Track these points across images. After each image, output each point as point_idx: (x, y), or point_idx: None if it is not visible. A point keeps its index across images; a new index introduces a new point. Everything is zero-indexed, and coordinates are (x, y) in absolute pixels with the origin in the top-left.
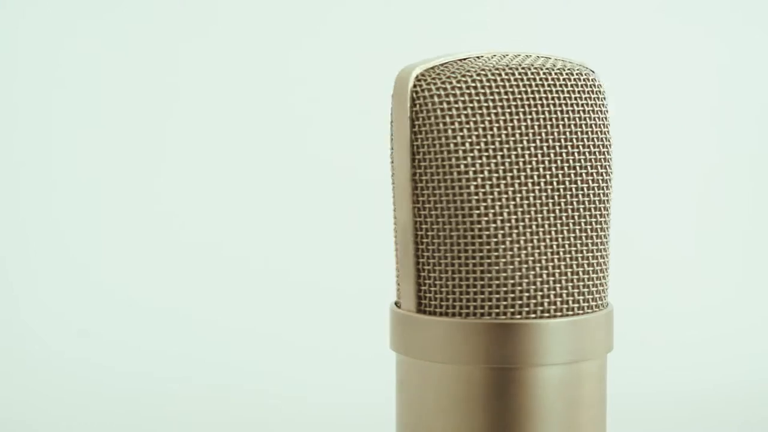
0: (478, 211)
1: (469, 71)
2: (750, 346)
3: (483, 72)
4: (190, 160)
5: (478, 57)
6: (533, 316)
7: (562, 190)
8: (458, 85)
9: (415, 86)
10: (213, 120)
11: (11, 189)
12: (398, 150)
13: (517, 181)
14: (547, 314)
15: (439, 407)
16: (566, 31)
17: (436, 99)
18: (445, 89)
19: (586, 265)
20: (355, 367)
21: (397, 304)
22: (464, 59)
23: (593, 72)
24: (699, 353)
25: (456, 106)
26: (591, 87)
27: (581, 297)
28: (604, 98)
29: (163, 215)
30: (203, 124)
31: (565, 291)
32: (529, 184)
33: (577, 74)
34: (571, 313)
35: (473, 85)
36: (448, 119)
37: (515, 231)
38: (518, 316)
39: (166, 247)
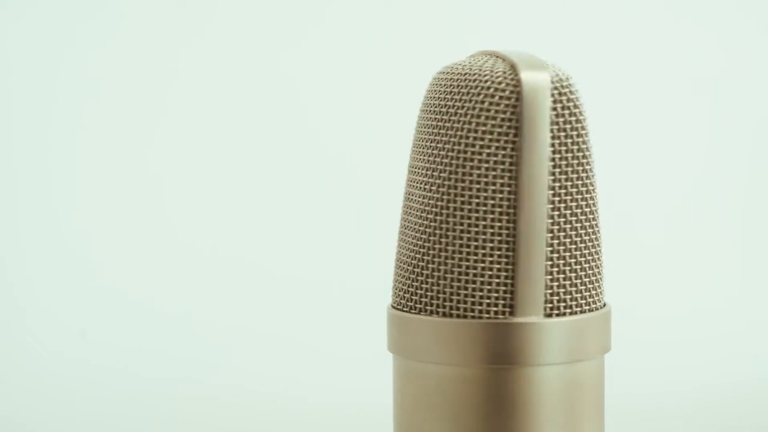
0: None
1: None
2: (749, 346)
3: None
4: (189, 160)
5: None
6: (529, 315)
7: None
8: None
9: (556, 87)
10: (212, 120)
11: (10, 189)
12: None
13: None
14: (544, 314)
15: (436, 408)
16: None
17: (576, 101)
18: (576, 92)
19: (578, 265)
20: (353, 368)
21: (393, 304)
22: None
23: (569, 79)
24: (698, 353)
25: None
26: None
27: (578, 297)
28: (579, 104)
29: (162, 215)
30: (202, 124)
31: (562, 291)
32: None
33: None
34: (568, 312)
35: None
36: (581, 124)
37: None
38: (514, 316)
39: (165, 247)
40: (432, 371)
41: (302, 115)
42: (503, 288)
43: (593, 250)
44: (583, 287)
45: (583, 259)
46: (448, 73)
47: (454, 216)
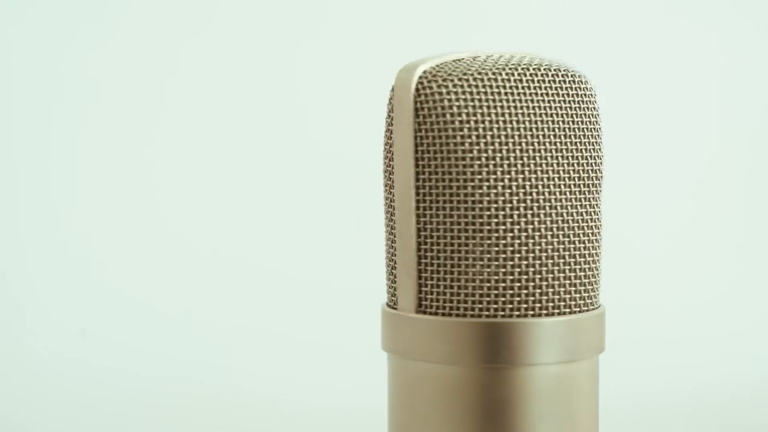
0: (489, 214)
1: (469, 70)
2: (745, 345)
3: (484, 71)
4: (188, 160)
5: (474, 57)
6: (525, 315)
7: (553, 189)
8: (460, 83)
9: (418, 85)
10: (211, 120)
11: (10, 190)
12: (399, 149)
13: (515, 183)
14: (538, 314)
15: (431, 407)
16: (564, 31)
17: (438, 97)
18: (446, 87)
19: (578, 265)
20: (350, 367)
21: (388, 304)
22: (460, 60)
23: (584, 74)
24: (693, 353)
25: (457, 104)
26: (584, 89)
27: (573, 297)
28: (595, 100)
29: (161, 215)
30: (201, 124)
31: (557, 291)
32: (527, 186)
33: (571, 76)
34: (563, 312)
35: (475, 84)
36: (449, 118)
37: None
38: (509, 316)
39: (164, 246)
40: (426, 370)
41: (300, 116)
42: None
43: (589, 251)
44: (578, 288)
45: (577, 259)
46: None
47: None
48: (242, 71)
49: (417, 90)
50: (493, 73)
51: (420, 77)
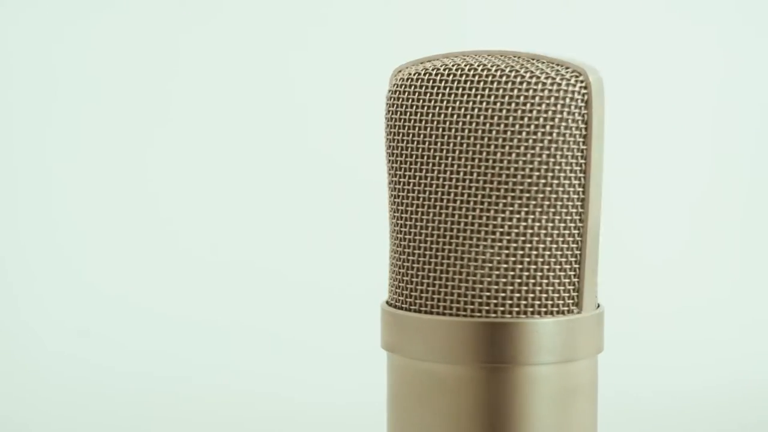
0: (447, 212)
1: (425, 70)
2: (744, 346)
3: (435, 70)
4: (187, 161)
5: (456, 55)
6: (523, 315)
7: (534, 191)
8: (415, 83)
9: (392, 85)
10: (210, 120)
11: (9, 190)
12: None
13: (483, 178)
14: (538, 313)
15: (429, 406)
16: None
17: (401, 97)
18: (405, 87)
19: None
20: (348, 366)
21: (388, 302)
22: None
23: (569, 77)
24: (692, 354)
25: (416, 104)
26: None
27: (571, 297)
28: (569, 104)
29: (160, 216)
30: (200, 124)
31: (556, 292)
32: (496, 183)
33: (537, 78)
34: (561, 313)
35: (426, 84)
36: (409, 118)
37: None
38: (508, 315)
39: (164, 247)
40: (425, 369)
41: (298, 116)
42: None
43: (588, 251)
44: (576, 288)
45: (575, 259)
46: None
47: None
48: (241, 72)
49: (390, 90)
50: (442, 72)
51: (395, 75)
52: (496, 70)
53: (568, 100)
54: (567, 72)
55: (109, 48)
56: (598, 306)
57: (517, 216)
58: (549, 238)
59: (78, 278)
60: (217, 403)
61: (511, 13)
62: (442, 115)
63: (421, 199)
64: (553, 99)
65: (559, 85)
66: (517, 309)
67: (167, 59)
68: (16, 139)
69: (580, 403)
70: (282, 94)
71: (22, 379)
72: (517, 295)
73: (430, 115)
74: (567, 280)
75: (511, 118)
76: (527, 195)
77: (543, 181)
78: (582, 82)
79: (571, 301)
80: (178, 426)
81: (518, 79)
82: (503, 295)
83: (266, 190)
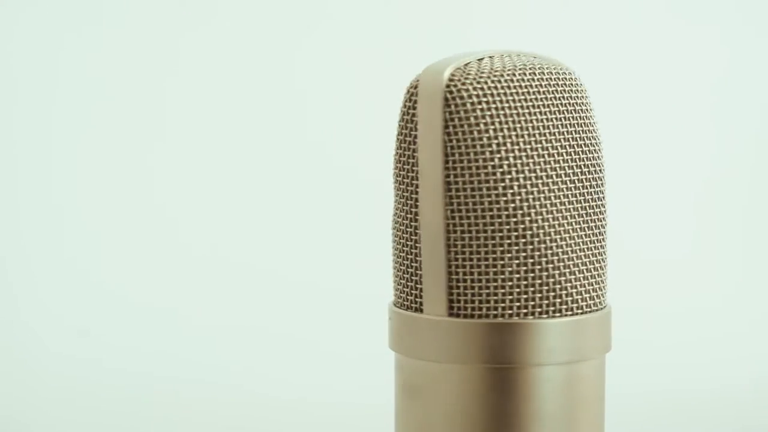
0: (512, 212)
1: (496, 71)
2: (749, 346)
3: (510, 72)
4: (188, 160)
5: (491, 57)
6: (531, 316)
7: (557, 191)
8: (493, 85)
9: (448, 86)
10: (211, 120)
11: (10, 189)
12: (426, 151)
13: (529, 182)
14: (545, 314)
15: (437, 406)
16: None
17: (474, 99)
18: (482, 89)
19: (583, 265)
20: (355, 367)
21: (395, 303)
22: (481, 59)
23: (573, 72)
24: (698, 354)
25: (494, 106)
26: (579, 87)
27: (579, 297)
28: (589, 100)
29: (162, 215)
30: (201, 124)
31: (564, 291)
32: (539, 185)
33: (569, 77)
34: (569, 313)
35: (506, 85)
36: (483, 120)
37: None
38: (515, 316)
39: (165, 246)
40: (433, 370)
41: (301, 116)
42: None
43: (596, 251)
44: (585, 287)
45: (583, 260)
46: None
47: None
48: (241, 72)
49: (448, 92)
50: (514, 75)
51: (450, 78)
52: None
53: (586, 95)
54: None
55: (112, 47)
56: (606, 305)
57: (529, 218)
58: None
59: (78, 278)
60: (218, 404)
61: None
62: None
63: (473, 203)
64: (583, 94)
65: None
66: (524, 310)
67: (169, 60)
68: (16, 139)
69: (587, 403)
70: (289, 96)
71: (22, 379)
72: (525, 296)
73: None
74: (572, 279)
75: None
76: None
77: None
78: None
79: (578, 301)
80: (179, 426)
81: (569, 75)
82: (511, 296)
83: (270, 190)
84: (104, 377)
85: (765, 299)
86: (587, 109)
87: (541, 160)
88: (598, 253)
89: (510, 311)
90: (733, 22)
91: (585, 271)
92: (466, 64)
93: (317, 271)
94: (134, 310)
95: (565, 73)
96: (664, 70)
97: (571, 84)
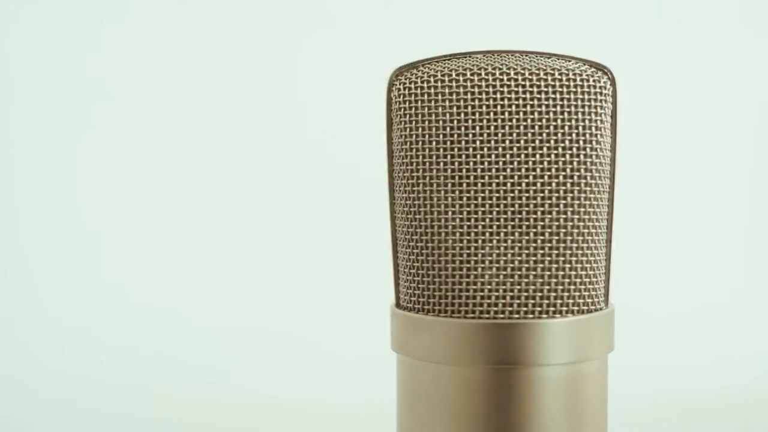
0: (467, 210)
1: (439, 71)
2: (751, 346)
3: (451, 72)
4: (189, 160)
5: (466, 55)
6: (533, 316)
7: (548, 192)
8: (421, 85)
9: (392, 85)
10: (211, 120)
11: (10, 189)
12: (387, 150)
13: (496, 181)
14: (547, 314)
15: (440, 407)
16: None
17: (405, 99)
18: (410, 89)
19: (585, 265)
20: (355, 367)
21: (396, 304)
22: (450, 57)
23: (596, 72)
24: (700, 354)
25: (425, 105)
26: (580, 89)
27: (581, 298)
28: (600, 99)
29: (162, 215)
30: (202, 124)
31: (566, 292)
32: (509, 185)
33: (559, 76)
34: (571, 313)
35: (435, 85)
36: (417, 119)
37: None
38: (517, 316)
39: (165, 247)
40: (436, 371)
41: (301, 116)
42: (504, 288)
43: (597, 251)
44: (588, 288)
45: (586, 260)
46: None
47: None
48: (241, 73)
49: (391, 91)
50: (458, 74)
51: (396, 76)
52: (523, 71)
53: (598, 96)
54: (588, 68)
55: (114, 47)
56: (609, 306)
57: (534, 217)
58: (569, 238)
59: (78, 278)
60: (218, 404)
61: (512, 12)
62: (466, 118)
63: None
64: (586, 96)
65: (588, 81)
66: (525, 309)
67: (169, 60)
68: (16, 139)
69: (590, 403)
70: (290, 97)
71: (22, 379)
72: (525, 294)
73: (448, 116)
74: (576, 280)
75: (544, 119)
76: (556, 195)
77: (571, 180)
78: (607, 75)
79: (582, 302)
80: (179, 426)
81: (549, 78)
82: (514, 297)
83: (270, 190)
84: (104, 377)
85: (766, 300)
86: (570, 111)
87: (489, 158)
88: (600, 253)
89: (513, 312)
90: (735, 21)
91: (588, 270)
92: (426, 63)
93: (317, 271)
94: (134, 310)
95: (551, 76)
96: (665, 71)
97: (548, 86)
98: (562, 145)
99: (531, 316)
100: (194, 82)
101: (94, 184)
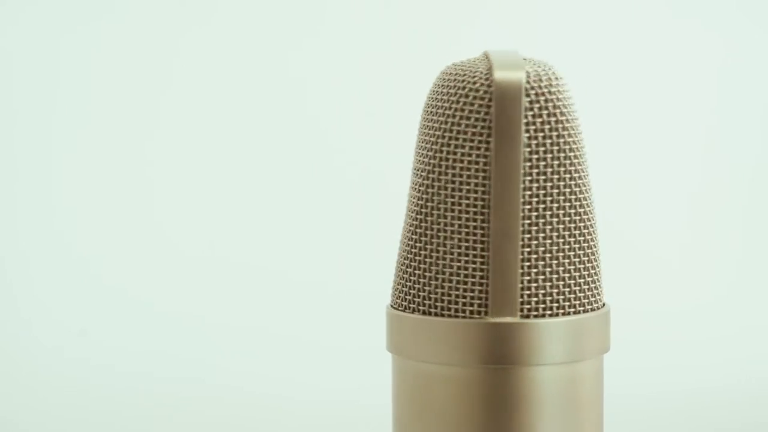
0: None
1: (555, 73)
2: (749, 347)
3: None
4: (188, 160)
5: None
6: (528, 316)
7: (535, 189)
8: (561, 85)
9: (533, 84)
10: (211, 119)
11: (10, 188)
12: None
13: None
14: (542, 314)
15: (435, 408)
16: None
17: (556, 102)
18: (560, 92)
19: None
20: (353, 368)
21: (392, 305)
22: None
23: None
24: (697, 354)
25: (564, 105)
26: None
27: (575, 297)
28: (559, 105)
29: (162, 215)
30: (201, 123)
31: (559, 291)
32: (533, 188)
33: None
34: (565, 312)
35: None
36: (560, 119)
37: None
38: (511, 316)
39: (165, 246)
40: (431, 371)
41: (302, 115)
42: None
43: (589, 250)
44: (581, 287)
45: (578, 259)
46: (443, 73)
47: (434, 216)
48: (239, 69)
49: (530, 94)
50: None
51: (531, 79)
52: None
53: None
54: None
55: (112, 46)
56: (604, 305)
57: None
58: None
59: (78, 278)
60: (218, 404)
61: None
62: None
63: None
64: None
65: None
66: (521, 310)
67: (167, 57)
68: (16, 138)
69: (586, 402)
70: (289, 95)
71: (21, 379)
72: (521, 296)
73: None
74: (567, 279)
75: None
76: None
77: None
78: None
79: (574, 301)
80: (179, 426)
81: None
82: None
83: (270, 189)
84: (104, 377)
85: (764, 299)
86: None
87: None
88: (591, 252)
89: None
90: (733, 17)
91: (582, 269)
92: (538, 63)
93: (317, 271)
94: (134, 310)
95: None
96: (659, 70)
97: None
98: (541, 144)
99: (526, 315)
100: (193, 82)
101: (94, 183)
